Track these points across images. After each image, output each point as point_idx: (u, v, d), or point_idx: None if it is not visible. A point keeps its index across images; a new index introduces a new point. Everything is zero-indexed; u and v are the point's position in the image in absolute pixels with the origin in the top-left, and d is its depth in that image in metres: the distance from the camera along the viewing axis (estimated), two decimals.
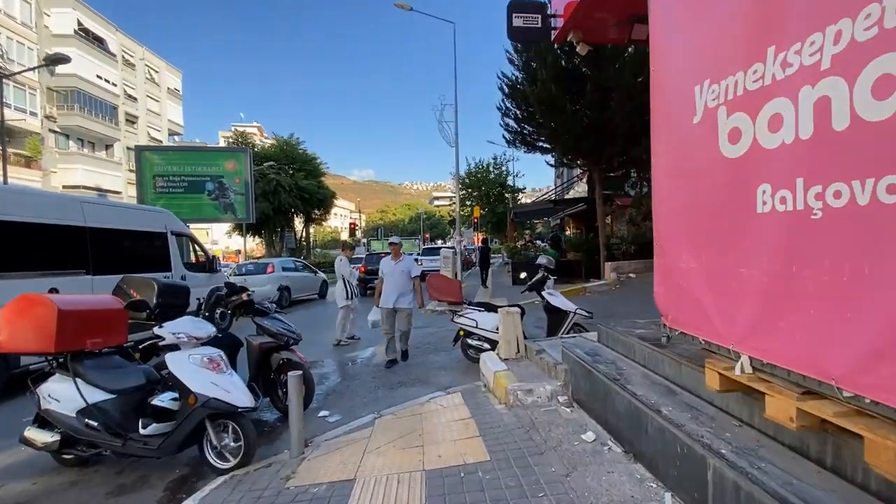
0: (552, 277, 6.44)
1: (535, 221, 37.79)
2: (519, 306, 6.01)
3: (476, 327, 5.93)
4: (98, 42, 36.59)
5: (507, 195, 34.99)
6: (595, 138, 12.49)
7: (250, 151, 18.55)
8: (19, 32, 29.22)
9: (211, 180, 17.96)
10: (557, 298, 6.06)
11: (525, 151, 14.10)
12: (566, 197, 19.21)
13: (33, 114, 30.36)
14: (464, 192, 34.83)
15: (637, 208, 14.01)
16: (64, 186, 33.92)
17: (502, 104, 13.81)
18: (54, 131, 33.34)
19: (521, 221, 28.76)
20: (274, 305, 5.24)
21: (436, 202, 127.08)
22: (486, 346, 5.92)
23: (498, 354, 5.09)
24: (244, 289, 4.76)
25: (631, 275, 13.09)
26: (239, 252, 37.66)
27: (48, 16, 33.11)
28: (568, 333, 5.96)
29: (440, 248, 23.62)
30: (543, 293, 6.17)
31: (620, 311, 8.98)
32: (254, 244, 31.85)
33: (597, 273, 14.62)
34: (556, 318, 6.01)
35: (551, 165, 15.41)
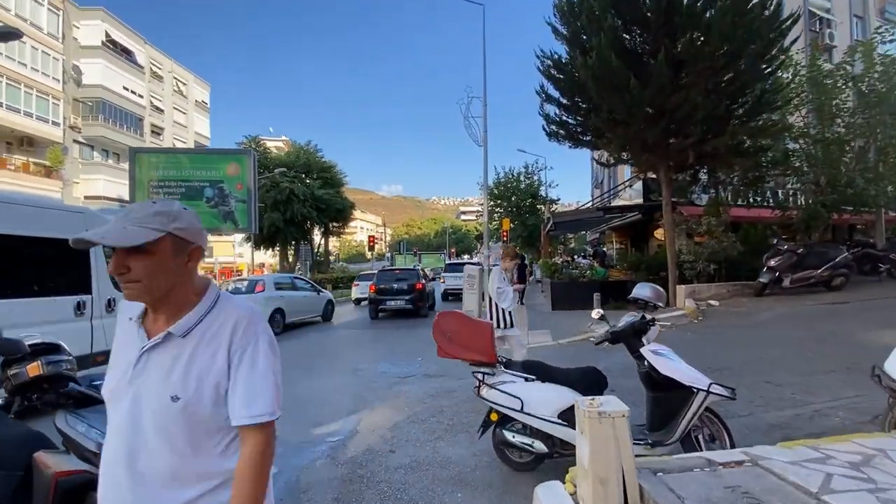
0: (656, 324, 3.75)
1: (570, 235, 34.70)
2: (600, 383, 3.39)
3: (521, 411, 3.30)
4: (126, 54, 36.58)
5: (539, 206, 32.20)
6: (665, 126, 9.71)
7: (254, 154, 16.60)
8: (45, 42, 29.03)
9: (210, 185, 16.10)
10: (671, 362, 3.34)
11: (570, 146, 11.44)
12: (613, 205, 16.35)
13: (56, 123, 29.98)
14: (492, 203, 32.26)
15: (715, 216, 11.03)
16: (86, 197, 33.48)
17: (542, 90, 11.25)
18: (78, 142, 33.10)
19: (556, 235, 25.86)
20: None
21: (462, 217, 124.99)
22: (539, 446, 3.28)
23: (576, 498, 2.40)
24: (40, 351, 2.29)
25: (712, 302, 10.10)
26: (262, 266, 36.22)
27: (77, 27, 33.18)
28: (696, 429, 3.26)
29: (464, 263, 21.00)
30: (644, 351, 3.47)
31: (729, 363, 6.11)
32: (268, 257, 30.13)
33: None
34: (667, 399, 3.30)
35: (603, 164, 12.67)
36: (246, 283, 12.45)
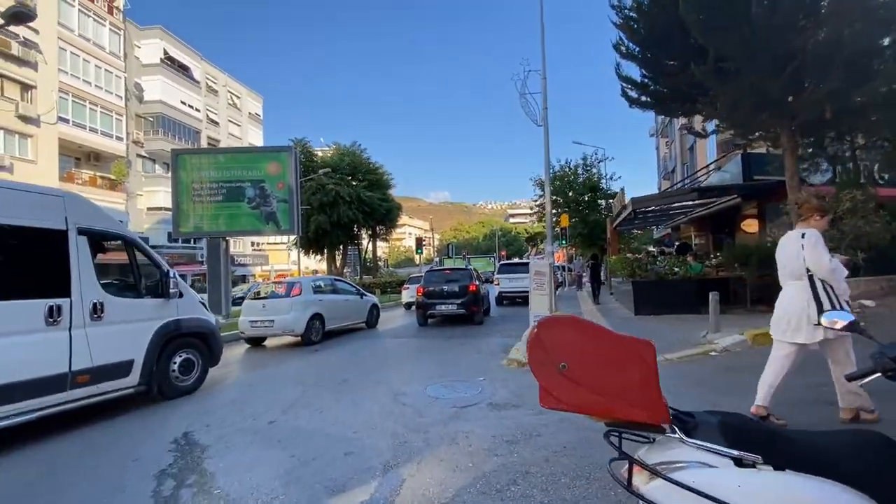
0: None
1: (636, 232, 31.55)
2: None
3: None
4: (183, 70, 38.05)
5: (600, 201, 29.45)
6: (794, 72, 7.37)
7: (295, 150, 15.66)
8: (108, 61, 30.44)
9: (251, 185, 15.33)
10: None
11: (658, 112, 9.25)
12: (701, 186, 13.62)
13: (119, 138, 31.34)
14: (544, 198, 29.96)
15: (859, 188, 8.40)
16: (148, 209, 34.97)
17: (620, 43, 9.16)
18: (141, 156, 34.62)
19: (625, 230, 23.21)
20: None
21: (511, 220, 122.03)
22: None
23: None
24: None
25: (866, 303, 7.50)
26: (316, 273, 36.04)
27: (138, 47, 34.81)
28: None
29: (524, 262, 18.96)
30: None
31: None
32: (317, 262, 29.64)
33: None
34: None
35: (698, 134, 10.27)
36: (283, 285, 11.27)
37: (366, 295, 13.85)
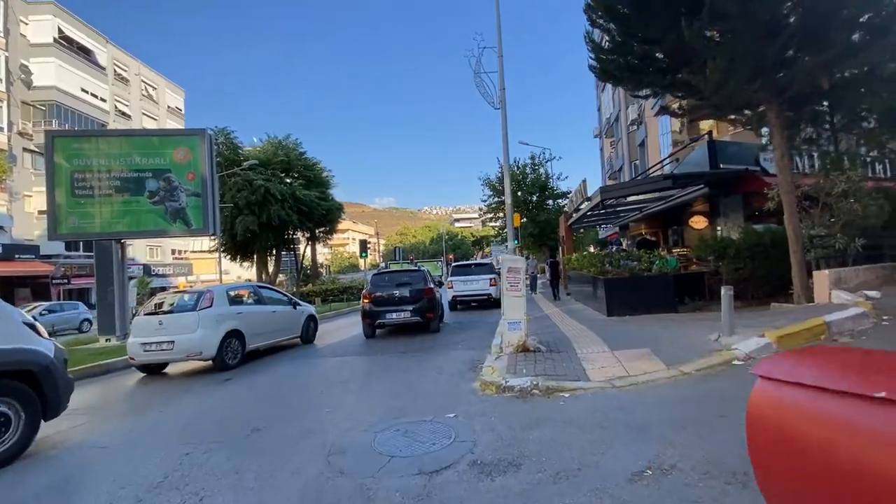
0: None
1: (581, 231, 31.45)
2: None
3: None
4: (84, 53, 33.10)
5: (549, 201, 28.97)
6: (789, 37, 6.47)
7: (209, 135, 13.13)
8: None
9: (154, 176, 12.58)
10: None
11: (632, 87, 8.18)
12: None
13: None
14: (495, 199, 29.02)
15: (849, 166, 7.72)
16: (39, 212, 29.75)
17: (591, 8, 7.94)
18: (30, 150, 29.44)
19: (575, 228, 22.63)
20: None
21: (457, 224, 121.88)
22: None
23: None
24: None
25: (869, 293, 6.71)
26: (250, 280, 32.42)
27: (25, 23, 29.68)
28: None
29: (481, 263, 17.52)
30: None
31: None
32: (245, 270, 26.44)
33: (780, 291, 8.34)
34: None
35: (674, 114, 9.27)
36: (189, 296, 8.91)
37: (300, 305, 11.67)
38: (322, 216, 22.91)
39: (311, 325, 11.52)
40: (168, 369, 8.59)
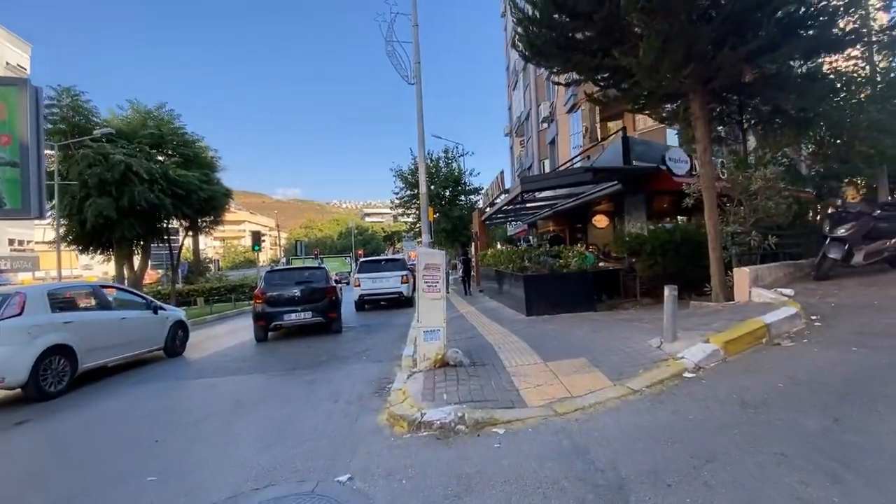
0: None
1: (491, 227, 31.49)
2: None
3: None
4: None
5: (462, 196, 28.45)
6: (721, 22, 6.14)
7: (34, 88, 9.96)
8: None
9: None
10: None
11: (555, 71, 7.51)
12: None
13: None
14: (408, 192, 27.75)
15: (765, 164, 7.77)
16: None
17: None
18: None
19: (489, 225, 22.26)
20: None
21: (367, 219, 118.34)
22: None
23: None
24: None
25: (784, 291, 6.67)
26: (118, 278, 27.00)
27: None
28: None
29: (391, 258, 16.05)
30: None
31: None
32: (98, 263, 21.73)
33: (690, 287, 8.21)
34: None
35: (599, 102, 8.65)
36: None
37: (164, 309, 9.29)
38: (204, 202, 19.51)
39: (178, 333, 9.29)
40: None
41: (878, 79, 8.20)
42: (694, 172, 12.36)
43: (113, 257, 18.88)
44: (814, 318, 5.49)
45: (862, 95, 7.99)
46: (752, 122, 8.53)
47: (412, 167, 26.57)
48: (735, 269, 6.94)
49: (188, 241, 27.77)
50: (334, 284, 10.58)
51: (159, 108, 19.75)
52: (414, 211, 27.84)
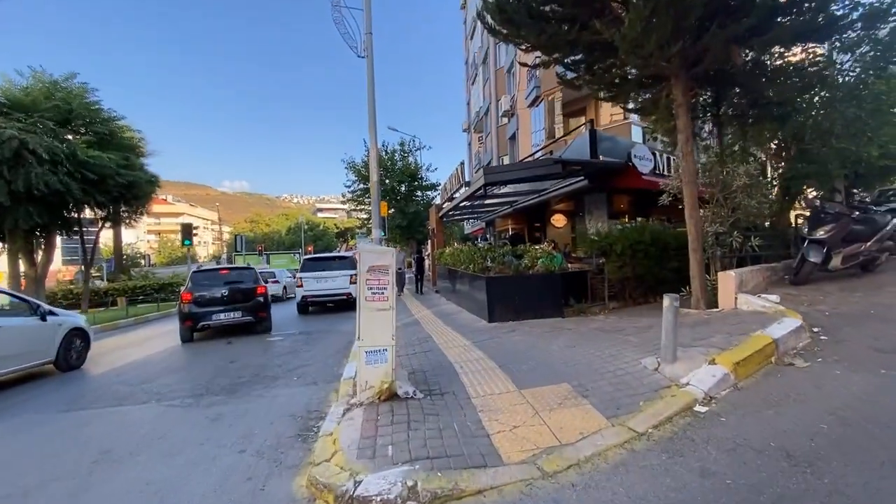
0: None
1: (447, 224, 30.50)
2: None
3: None
4: None
5: (418, 192, 27.23)
6: (711, 2, 5.45)
7: None
8: None
9: None
10: None
11: (528, 43, 6.56)
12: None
13: None
14: (360, 185, 26.15)
15: (749, 162, 7.19)
16: None
17: None
18: None
19: (447, 222, 21.20)
20: None
21: (320, 214, 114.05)
22: None
23: None
24: None
25: (769, 296, 6.06)
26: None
27: None
28: None
29: (338, 256, 14.54)
30: None
31: None
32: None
33: (656, 291, 7.53)
34: None
35: (572, 85, 7.73)
36: None
37: (57, 314, 7.55)
38: (124, 189, 17.01)
39: (74, 343, 7.66)
40: None
41: (854, 74, 7.87)
42: (658, 171, 11.97)
43: (6, 251, 16.05)
44: (816, 330, 4.84)
45: (839, 94, 7.61)
46: (731, 114, 7.98)
47: (366, 159, 24.99)
48: (719, 273, 6.27)
49: (110, 234, 24.68)
50: (263, 284, 10.45)
51: (68, 80, 17.07)
52: (368, 206, 26.25)
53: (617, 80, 7.50)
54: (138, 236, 61.54)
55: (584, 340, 5.70)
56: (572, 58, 7.45)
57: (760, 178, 7.02)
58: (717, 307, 6.28)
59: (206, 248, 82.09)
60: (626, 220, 13.03)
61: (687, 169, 6.65)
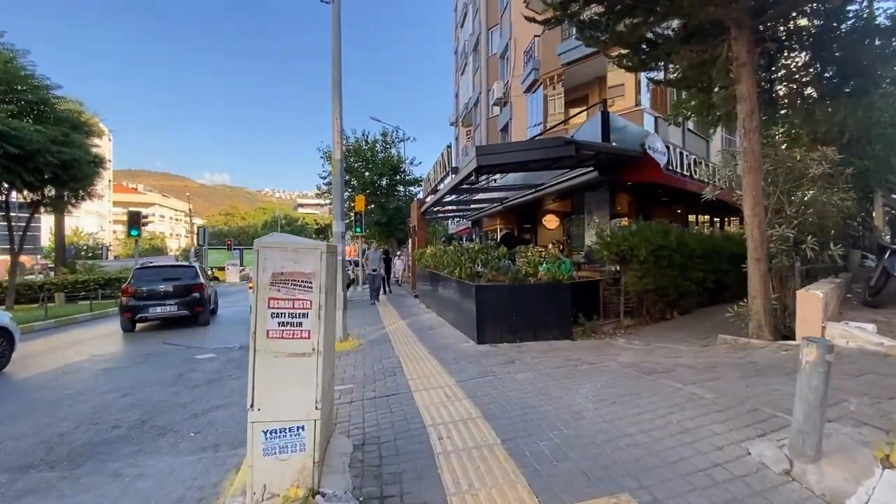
0: None
1: (430, 223, 28.64)
2: None
3: None
4: None
5: (400, 187, 25.29)
6: None
7: None
8: None
9: None
10: None
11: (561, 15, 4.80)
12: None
13: None
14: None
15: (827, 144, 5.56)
16: None
17: None
18: None
19: (430, 219, 19.41)
20: None
21: (300, 209, 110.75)
22: None
23: None
24: None
25: (864, 325, 4.40)
26: None
27: None
28: None
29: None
30: None
31: None
32: None
33: (674, 307, 5.87)
34: None
35: (595, 40, 5.96)
36: None
37: None
38: (58, 169, 14.71)
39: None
40: None
41: None
42: (671, 168, 10.35)
43: None
44: None
45: None
46: (801, 81, 6.29)
47: (347, 145, 22.94)
48: (799, 293, 4.57)
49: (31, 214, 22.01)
50: (203, 282, 10.73)
51: None
52: (348, 203, 24.22)
53: (650, 38, 5.78)
54: (102, 226, 57.89)
55: (622, 389, 3.91)
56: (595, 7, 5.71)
57: (840, 167, 5.35)
58: (791, 338, 4.60)
59: (178, 240, 78.38)
60: (626, 220, 11.46)
61: (751, 150, 4.95)
